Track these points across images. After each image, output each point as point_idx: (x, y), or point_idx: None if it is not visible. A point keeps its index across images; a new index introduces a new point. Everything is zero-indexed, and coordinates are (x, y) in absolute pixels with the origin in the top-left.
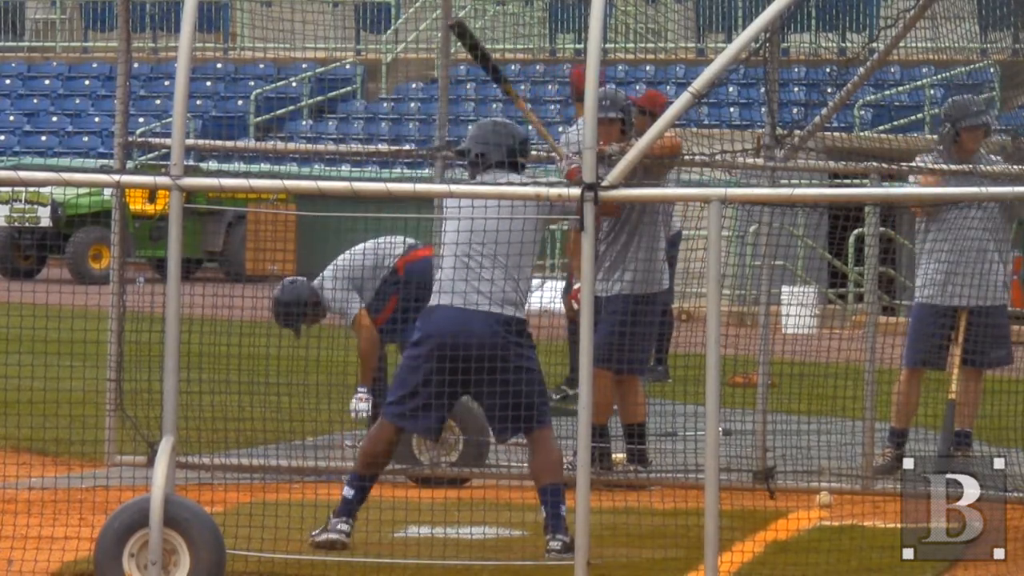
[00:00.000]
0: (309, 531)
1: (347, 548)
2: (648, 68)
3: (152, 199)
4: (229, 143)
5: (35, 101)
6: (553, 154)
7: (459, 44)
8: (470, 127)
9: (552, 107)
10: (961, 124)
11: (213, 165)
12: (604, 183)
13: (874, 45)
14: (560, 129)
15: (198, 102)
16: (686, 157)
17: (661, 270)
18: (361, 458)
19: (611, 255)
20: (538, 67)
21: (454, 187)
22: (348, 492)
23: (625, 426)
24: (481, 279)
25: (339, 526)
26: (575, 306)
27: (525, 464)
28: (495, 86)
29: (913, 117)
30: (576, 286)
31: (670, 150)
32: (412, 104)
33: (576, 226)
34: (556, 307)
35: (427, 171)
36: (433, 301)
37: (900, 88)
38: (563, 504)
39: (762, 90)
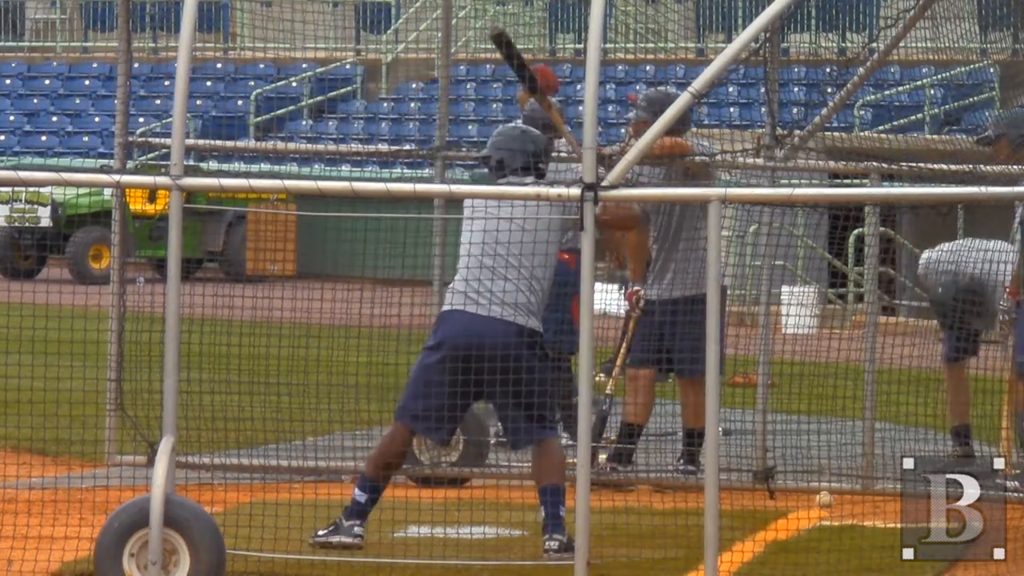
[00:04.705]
0: (311, 530)
1: (361, 549)
2: (648, 68)
3: (152, 199)
4: (229, 143)
5: (35, 101)
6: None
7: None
8: (494, 132)
9: None
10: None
11: (213, 165)
12: (604, 183)
13: (874, 45)
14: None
15: (198, 102)
16: (686, 158)
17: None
18: (374, 461)
19: (663, 258)
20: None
21: (454, 187)
22: (360, 496)
23: (687, 429)
24: (505, 289)
25: (354, 529)
26: (628, 310)
27: (524, 464)
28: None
29: (913, 117)
30: (630, 288)
31: (670, 151)
32: (412, 104)
33: (576, 226)
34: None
35: (427, 171)
36: (447, 306)
37: (900, 88)
38: (563, 505)
39: (762, 90)
